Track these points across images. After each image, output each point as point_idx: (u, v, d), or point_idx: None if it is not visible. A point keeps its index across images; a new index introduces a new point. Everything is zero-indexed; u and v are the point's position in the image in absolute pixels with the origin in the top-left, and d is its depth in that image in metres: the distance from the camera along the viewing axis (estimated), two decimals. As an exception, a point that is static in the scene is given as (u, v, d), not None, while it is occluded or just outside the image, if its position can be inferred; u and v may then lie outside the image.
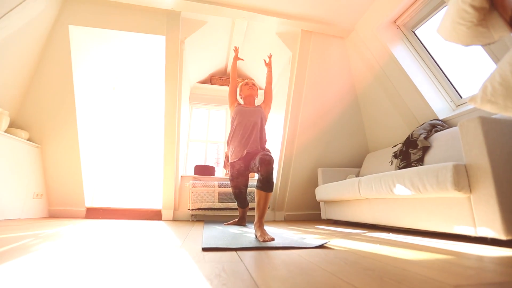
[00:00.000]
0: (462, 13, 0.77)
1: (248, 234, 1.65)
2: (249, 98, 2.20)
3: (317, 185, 3.24)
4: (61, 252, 1.01)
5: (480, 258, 0.97)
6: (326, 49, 2.90)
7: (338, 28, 2.75)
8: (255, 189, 1.63)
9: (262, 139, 2.03)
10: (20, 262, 0.81)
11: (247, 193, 2.50)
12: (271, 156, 1.66)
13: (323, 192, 2.77)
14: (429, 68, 2.44)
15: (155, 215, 3.05)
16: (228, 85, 3.76)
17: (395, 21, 2.51)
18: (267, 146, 2.13)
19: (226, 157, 3.57)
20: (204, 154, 3.67)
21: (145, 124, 4.15)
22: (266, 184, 1.53)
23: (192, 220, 3.01)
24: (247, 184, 2.18)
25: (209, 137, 3.74)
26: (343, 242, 1.38)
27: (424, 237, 1.58)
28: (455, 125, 2.23)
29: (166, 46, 2.57)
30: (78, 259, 0.89)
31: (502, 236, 1.18)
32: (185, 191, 3.17)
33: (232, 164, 2.10)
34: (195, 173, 3.35)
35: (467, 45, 0.86)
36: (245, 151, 1.96)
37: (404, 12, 2.37)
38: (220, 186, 3.15)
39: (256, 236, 1.40)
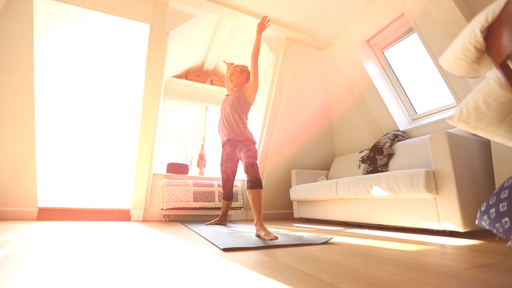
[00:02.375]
0: (465, 51, 0.96)
1: (243, 233, 1.68)
2: (235, 88, 2.28)
3: (289, 185, 3.41)
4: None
5: (457, 247, 1.20)
6: (306, 58, 3.08)
7: (319, 39, 2.95)
8: (247, 191, 1.70)
9: (239, 124, 2.07)
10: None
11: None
12: (254, 158, 1.82)
13: (298, 192, 2.94)
14: (393, 85, 2.81)
15: (123, 215, 2.82)
16: (204, 82, 3.70)
17: (368, 41, 2.82)
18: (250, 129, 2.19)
19: (201, 156, 3.50)
20: (176, 151, 3.52)
21: (112, 117, 3.78)
22: (255, 183, 1.68)
23: (165, 221, 2.88)
24: (235, 171, 2.28)
25: (182, 134, 3.61)
26: (338, 238, 1.52)
27: (396, 232, 1.84)
28: (412, 137, 2.62)
29: (149, 36, 2.41)
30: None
31: (461, 229, 1.47)
32: (157, 190, 3.01)
33: (222, 149, 2.25)
34: (167, 171, 3.20)
35: (462, 76, 1.07)
36: (226, 138, 2.12)
37: (376, 34, 2.69)
38: (195, 185, 3.07)
39: (260, 236, 1.45)
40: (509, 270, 0.78)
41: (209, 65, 3.65)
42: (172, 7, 2.41)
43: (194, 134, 3.69)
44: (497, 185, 1.53)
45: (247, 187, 1.73)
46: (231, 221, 2.84)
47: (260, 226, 1.51)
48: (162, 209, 2.86)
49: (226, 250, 1.09)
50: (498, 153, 1.53)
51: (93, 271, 0.74)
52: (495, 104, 1.14)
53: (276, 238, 1.39)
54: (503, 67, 0.92)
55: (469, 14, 1.83)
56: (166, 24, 2.45)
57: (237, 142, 2.06)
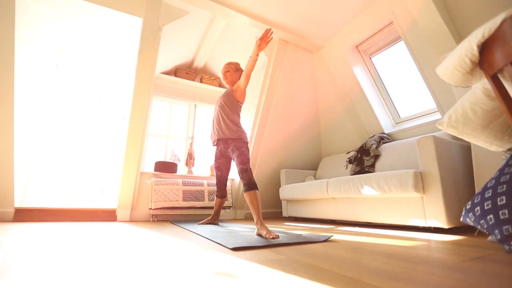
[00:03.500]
0: (462, 63, 1.05)
1: (241, 232, 1.70)
2: (229, 87, 2.30)
3: (278, 185, 3.47)
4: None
5: (446, 242, 1.30)
6: (297, 60, 3.14)
7: (311, 43, 3.02)
8: (244, 193, 1.74)
9: (228, 123, 2.08)
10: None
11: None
12: (246, 164, 1.86)
13: (287, 191, 2.99)
14: (380, 90, 2.96)
15: (108, 216, 2.70)
16: (194, 80, 3.64)
17: (357, 46, 2.93)
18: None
19: (189, 154, 3.45)
20: (164, 150, 3.43)
21: (94, 112, 3.61)
22: (250, 185, 1.73)
23: (153, 221, 2.80)
24: (229, 167, 2.31)
25: (170, 133, 3.53)
26: (336, 236, 1.58)
27: (385, 229, 1.95)
28: (396, 139, 2.78)
29: (142, 30, 2.33)
30: None
31: (445, 226, 1.59)
32: (145, 189, 2.92)
33: (216, 146, 2.28)
34: (155, 170, 3.12)
35: (457, 86, 1.16)
36: (217, 138, 2.16)
37: (365, 40, 2.81)
38: (184, 184, 3.02)
39: (262, 235, 1.47)
40: (500, 262, 0.87)
41: (199, 63, 3.60)
42: (166, 1, 2.35)
43: (183, 132, 3.62)
44: (477, 186, 1.68)
45: (244, 190, 1.77)
46: (222, 221, 2.84)
47: (261, 225, 1.54)
48: (150, 208, 2.78)
49: (235, 249, 1.10)
50: (478, 157, 1.67)
51: (111, 278, 0.72)
52: (480, 112, 1.26)
53: (278, 237, 1.42)
54: (494, 79, 1.01)
55: (453, 27, 1.98)
56: (159, 19, 2.38)
57: (230, 140, 2.09)
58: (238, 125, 2.11)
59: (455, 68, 1.09)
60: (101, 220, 2.66)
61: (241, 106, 2.20)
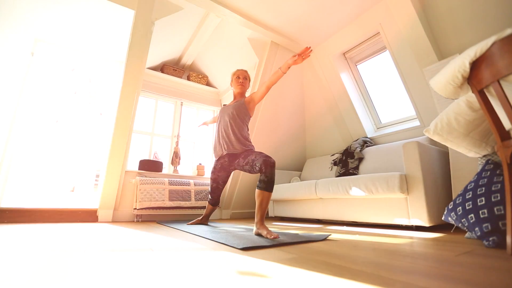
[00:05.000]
0: (454, 78, 1.16)
1: (238, 232, 1.71)
2: (237, 96, 2.14)
3: (264, 185, 3.51)
4: None
5: (432, 239, 1.43)
6: (287, 63, 3.21)
7: (301, 47, 3.11)
8: (256, 190, 1.69)
9: (239, 137, 1.95)
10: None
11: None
12: (273, 159, 1.75)
13: (275, 192, 3.05)
14: (363, 96, 3.12)
15: (88, 216, 2.56)
16: (181, 77, 3.56)
17: (344, 54, 3.07)
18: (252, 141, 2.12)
19: (175, 153, 3.37)
20: (148, 148, 3.32)
21: (71, 106, 3.38)
22: (269, 184, 1.64)
23: (137, 221, 2.70)
24: (226, 181, 2.22)
25: (155, 130, 3.42)
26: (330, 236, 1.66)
27: (370, 227, 2.07)
28: (378, 143, 2.96)
29: (134, 23, 2.24)
30: None
31: (427, 224, 1.74)
32: (129, 188, 2.81)
33: (217, 159, 2.14)
34: (139, 169, 3.01)
35: (448, 97, 1.29)
36: (225, 152, 2.01)
37: (352, 48, 2.95)
38: (171, 183, 2.96)
39: (262, 235, 1.49)
40: (486, 255, 0.99)
41: (187, 60, 3.53)
42: (160, -5, 2.29)
43: (168, 130, 3.52)
44: (454, 188, 1.85)
45: (260, 187, 1.63)
46: (210, 220, 2.81)
47: (261, 225, 1.56)
48: (135, 208, 2.68)
49: (245, 249, 1.11)
50: (455, 162, 1.85)
51: (138, 281, 0.70)
52: (463, 122, 1.39)
53: (278, 236, 1.46)
54: (480, 93, 1.14)
55: (434, 42, 2.16)
56: (153, 13, 2.30)
57: (239, 156, 1.96)
58: (248, 139, 1.99)
59: (448, 82, 1.21)
60: (81, 221, 2.51)
61: (249, 120, 2.05)
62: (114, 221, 2.65)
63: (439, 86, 1.27)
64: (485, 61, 1.07)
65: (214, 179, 2.19)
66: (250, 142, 2.01)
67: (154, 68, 3.45)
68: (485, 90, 1.16)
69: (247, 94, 2.60)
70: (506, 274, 0.74)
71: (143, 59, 2.41)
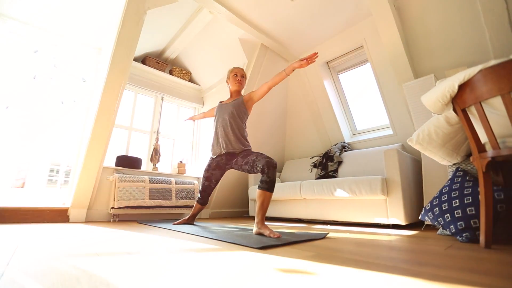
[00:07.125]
0: (443, 96, 1.35)
1: (236, 232, 1.73)
2: (234, 94, 2.14)
3: (244, 185, 3.55)
4: None
5: (413, 236, 1.62)
6: (274, 66, 3.29)
7: (289, 52, 3.22)
8: (258, 190, 1.71)
9: (238, 136, 1.97)
10: None
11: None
12: (275, 161, 1.78)
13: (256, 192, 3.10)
14: (342, 103, 3.35)
15: (58, 216, 2.33)
16: (163, 71, 3.42)
17: (327, 63, 3.26)
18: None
19: (155, 150, 3.23)
20: (126, 143, 3.11)
21: (27, 92, 3.02)
22: (271, 185, 1.68)
23: (113, 221, 2.53)
24: (219, 180, 2.20)
25: (134, 125, 3.22)
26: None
27: (351, 226, 2.25)
28: (354, 149, 3.20)
29: (125, 10, 2.09)
30: None
31: (403, 223, 1.96)
32: (105, 186, 2.61)
33: (212, 158, 2.13)
34: (117, 165, 2.82)
35: (435, 113, 1.48)
36: (224, 151, 2.01)
37: (336, 58, 3.15)
38: (151, 181, 2.83)
39: (264, 234, 1.53)
40: (467, 249, 1.17)
41: (171, 54, 3.40)
42: (155, -15, 2.18)
43: (147, 125, 3.35)
44: (425, 191, 2.10)
45: (261, 187, 1.66)
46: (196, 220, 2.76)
47: (263, 225, 1.60)
48: (112, 208, 2.51)
49: (262, 248, 1.15)
50: (427, 168, 2.10)
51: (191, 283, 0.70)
52: (441, 134, 1.61)
53: (280, 236, 1.51)
54: (463, 112, 1.34)
55: (411, 61, 2.42)
56: (146, 1, 2.19)
57: (237, 155, 1.97)
58: (246, 139, 2.02)
59: (438, 100, 1.40)
60: (49, 221, 2.28)
61: (247, 119, 2.06)
62: (88, 221, 2.45)
63: (429, 102, 1.45)
64: (470, 85, 1.26)
65: (207, 177, 2.16)
66: (248, 142, 2.03)
67: (135, 59, 3.25)
68: (467, 109, 1.36)
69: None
70: (498, 264, 0.90)
71: (132, 49, 2.27)
